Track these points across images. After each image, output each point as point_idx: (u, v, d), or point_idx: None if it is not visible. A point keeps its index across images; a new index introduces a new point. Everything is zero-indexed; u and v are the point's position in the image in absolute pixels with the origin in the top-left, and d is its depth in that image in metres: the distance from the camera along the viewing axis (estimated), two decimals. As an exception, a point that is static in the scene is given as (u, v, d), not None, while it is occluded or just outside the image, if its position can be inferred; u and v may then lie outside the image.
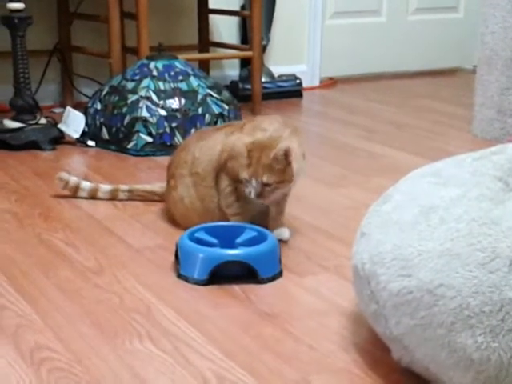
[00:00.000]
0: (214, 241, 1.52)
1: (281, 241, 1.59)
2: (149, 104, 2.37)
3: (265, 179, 1.50)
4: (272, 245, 1.50)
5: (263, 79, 3.07)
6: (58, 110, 2.91)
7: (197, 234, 1.53)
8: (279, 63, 3.46)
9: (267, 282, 1.46)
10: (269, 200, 1.56)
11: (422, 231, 1.06)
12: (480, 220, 1.03)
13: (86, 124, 2.46)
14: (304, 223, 1.77)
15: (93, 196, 1.91)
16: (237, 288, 1.43)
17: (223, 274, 1.45)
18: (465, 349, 0.99)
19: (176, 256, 1.52)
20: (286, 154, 1.49)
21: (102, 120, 2.43)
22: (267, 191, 1.52)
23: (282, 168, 1.50)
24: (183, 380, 1.13)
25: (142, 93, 2.39)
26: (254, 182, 1.51)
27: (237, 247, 1.51)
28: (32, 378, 1.12)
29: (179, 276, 1.47)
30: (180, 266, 1.48)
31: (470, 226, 1.03)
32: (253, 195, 1.52)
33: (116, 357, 1.19)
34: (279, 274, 1.49)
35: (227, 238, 1.53)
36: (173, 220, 1.74)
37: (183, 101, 2.39)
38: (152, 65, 2.46)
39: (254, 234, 1.54)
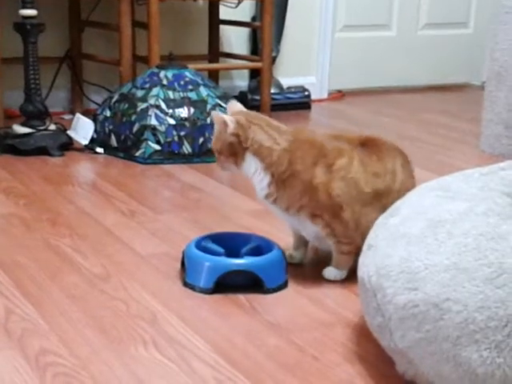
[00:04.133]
0: (221, 250, 1.52)
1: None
2: (158, 112, 2.38)
3: (214, 146, 1.50)
4: (278, 255, 1.50)
5: (272, 90, 3.08)
6: (67, 117, 2.93)
7: (203, 243, 1.53)
8: (288, 75, 3.47)
9: (272, 292, 1.46)
10: (223, 168, 1.51)
11: (430, 245, 1.07)
12: (488, 235, 1.04)
13: (95, 131, 2.47)
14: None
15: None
16: (242, 297, 1.44)
17: (229, 283, 1.45)
18: (470, 363, 0.99)
19: (182, 264, 1.52)
20: (225, 125, 1.45)
21: (110, 127, 2.44)
22: (221, 160, 1.50)
23: (225, 139, 1.46)
24: (187, 388, 1.13)
25: (152, 101, 2.40)
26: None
27: (243, 257, 1.51)
28: (37, 382, 1.13)
29: (185, 284, 1.48)
30: (186, 274, 1.49)
31: (478, 240, 1.03)
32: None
33: (121, 363, 1.19)
34: (285, 285, 1.49)
35: (234, 247, 1.53)
36: None
37: (192, 110, 2.40)
38: (162, 74, 2.47)
39: (261, 243, 1.54)
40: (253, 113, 1.56)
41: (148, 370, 1.17)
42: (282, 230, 1.74)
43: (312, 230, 1.51)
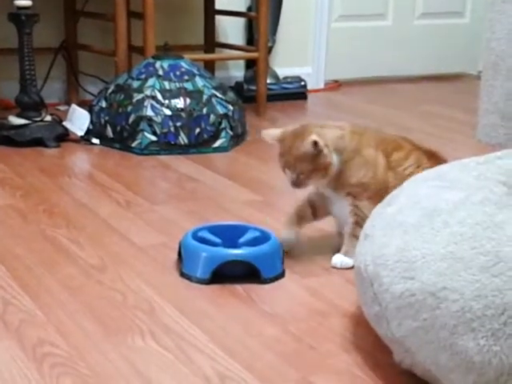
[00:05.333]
0: (218, 240, 1.52)
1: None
2: (154, 103, 2.38)
3: (297, 168, 1.50)
4: (275, 245, 1.50)
5: (268, 81, 3.07)
6: (63, 108, 2.92)
7: (200, 233, 1.53)
8: (284, 65, 3.46)
9: (269, 282, 1.46)
10: (306, 185, 1.53)
11: (426, 234, 1.07)
12: (484, 224, 1.04)
13: (91, 122, 2.46)
14: (307, 224, 1.77)
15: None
16: (239, 288, 1.44)
17: (226, 274, 1.45)
18: (466, 351, 0.99)
19: (179, 254, 1.52)
20: (315, 145, 1.47)
21: (106, 118, 2.44)
22: (301, 180, 1.51)
23: (313, 157, 1.49)
24: (185, 378, 1.13)
25: (148, 92, 2.39)
26: (287, 171, 1.52)
27: (240, 247, 1.51)
28: (34, 373, 1.13)
29: (182, 274, 1.48)
30: (183, 264, 1.49)
31: (474, 229, 1.04)
32: (290, 184, 1.53)
33: (118, 354, 1.19)
34: (282, 275, 1.49)
35: (230, 238, 1.53)
36: None
37: (188, 100, 2.40)
38: (158, 64, 2.47)
39: (257, 234, 1.54)
40: (298, 125, 1.56)
41: (145, 360, 1.18)
42: (279, 220, 1.74)
43: (345, 205, 1.55)
